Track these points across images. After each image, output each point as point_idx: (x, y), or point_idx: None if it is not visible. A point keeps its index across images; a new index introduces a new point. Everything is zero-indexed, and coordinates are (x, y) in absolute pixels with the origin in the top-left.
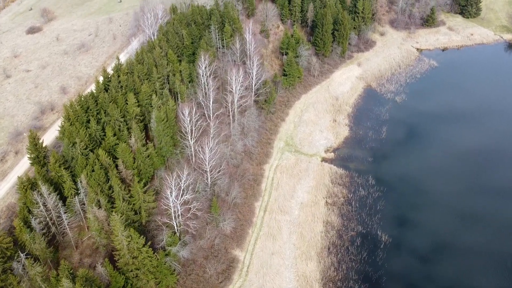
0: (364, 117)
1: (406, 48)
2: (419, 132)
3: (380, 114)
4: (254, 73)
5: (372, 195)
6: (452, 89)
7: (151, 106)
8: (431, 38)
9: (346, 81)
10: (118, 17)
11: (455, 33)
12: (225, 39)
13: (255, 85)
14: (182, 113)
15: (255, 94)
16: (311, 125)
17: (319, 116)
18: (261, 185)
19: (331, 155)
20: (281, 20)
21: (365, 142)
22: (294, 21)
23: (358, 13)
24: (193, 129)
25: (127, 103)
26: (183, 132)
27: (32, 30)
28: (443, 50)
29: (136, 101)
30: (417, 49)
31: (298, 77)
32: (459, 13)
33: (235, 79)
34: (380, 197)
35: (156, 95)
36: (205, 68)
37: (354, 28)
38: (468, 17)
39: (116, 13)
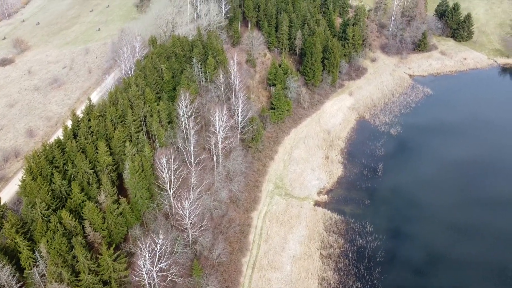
0: (358, 153)
1: (399, 74)
2: (416, 169)
3: (375, 149)
4: (240, 111)
5: (371, 244)
6: (448, 119)
7: (125, 154)
8: (423, 64)
9: (338, 112)
10: (95, 47)
11: (448, 57)
12: (209, 72)
13: (241, 123)
14: (159, 162)
15: (241, 132)
16: (302, 163)
17: (311, 153)
18: (248, 237)
19: (324, 197)
20: (268, 48)
21: (360, 181)
22: (281, 49)
23: (348, 40)
24: (172, 179)
25: (97, 152)
26: (161, 182)
27: (3, 62)
28: (436, 76)
29: (108, 149)
30: (410, 76)
31: (287, 110)
32: (451, 37)
33: (219, 119)
34: (379, 247)
35: (131, 141)
36: (185, 107)
37: (345, 55)
38: (460, 41)
39: (93, 43)
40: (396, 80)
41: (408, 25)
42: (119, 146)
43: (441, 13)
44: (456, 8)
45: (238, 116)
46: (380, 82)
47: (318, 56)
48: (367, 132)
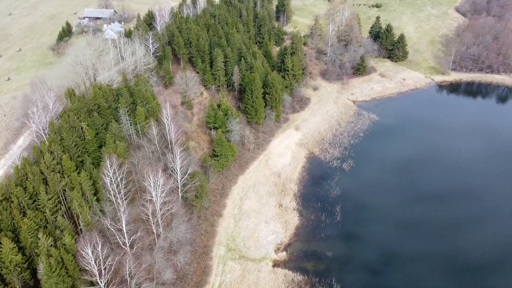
0: (313, 196)
1: (343, 101)
2: (374, 207)
3: (329, 189)
4: (178, 168)
5: None
6: (397, 145)
7: (38, 247)
8: (365, 88)
9: (286, 150)
10: (4, 101)
11: (387, 79)
12: (139, 124)
13: (181, 180)
14: (84, 252)
15: (183, 191)
16: (255, 215)
17: (262, 202)
18: None
19: (283, 255)
20: (205, 86)
21: (319, 229)
22: (219, 86)
23: (288, 71)
24: (103, 269)
25: (1, 251)
26: (89, 275)
27: None
28: (379, 100)
29: (15, 245)
30: (354, 102)
31: (231, 155)
32: (388, 58)
33: (155, 184)
34: None
35: (46, 227)
36: (113, 173)
37: (286, 87)
38: (396, 61)
39: (2, 95)
40: (341, 108)
41: (346, 49)
42: (31, 238)
43: (375, 35)
44: (389, 29)
45: (177, 173)
46: (325, 112)
47: (259, 92)
48: (319, 170)
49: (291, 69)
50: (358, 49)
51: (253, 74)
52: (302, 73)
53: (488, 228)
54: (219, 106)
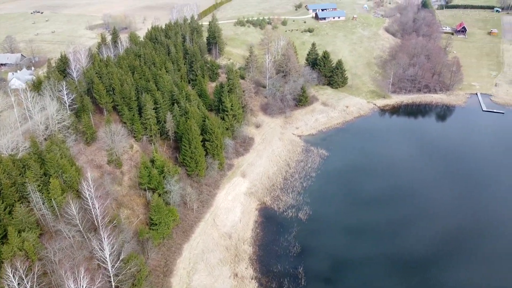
0: (271, 258)
1: (288, 137)
2: (338, 260)
3: (288, 246)
4: (108, 255)
5: None
6: (351, 183)
7: None
8: (310, 120)
9: (235, 203)
10: None
11: (331, 108)
12: (55, 200)
13: (113, 269)
14: None
15: (116, 280)
16: None
17: (214, 275)
18: None
19: None
20: (134, 137)
21: None
22: (151, 136)
23: (227, 111)
24: None
25: None
26: None
27: None
28: (326, 132)
29: None
30: (300, 136)
31: (173, 220)
32: (328, 85)
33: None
34: None
35: None
36: (20, 279)
37: (227, 129)
38: (337, 88)
39: None
40: (288, 146)
41: (285, 80)
42: None
43: (313, 62)
44: (326, 56)
45: (107, 263)
46: (271, 152)
47: (197, 141)
48: (274, 224)
49: (231, 109)
50: (297, 79)
51: (189, 122)
52: (243, 110)
53: (428, 227)
54: (153, 162)
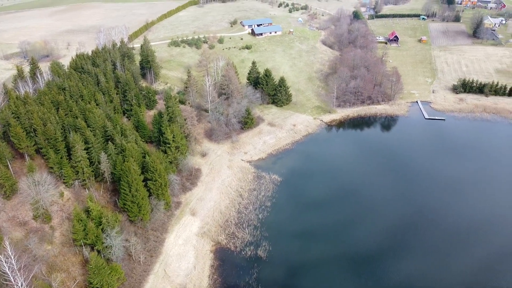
0: None
1: (238, 165)
2: None
3: None
4: None
5: None
6: (308, 209)
7: None
8: (258, 143)
9: (186, 248)
10: None
11: (278, 128)
12: None
13: None
14: None
15: None
16: None
17: None
18: None
19: None
20: (65, 183)
21: None
22: (84, 180)
23: (169, 144)
24: None
25: None
26: None
27: None
28: (276, 155)
29: None
30: (249, 162)
31: (117, 279)
32: (272, 103)
33: None
34: None
35: None
36: None
37: (171, 163)
38: (281, 106)
39: None
40: (238, 174)
41: (228, 102)
42: None
43: (255, 81)
44: (268, 74)
45: None
46: (221, 183)
47: (138, 182)
48: (232, 266)
49: (172, 140)
50: (241, 101)
51: (127, 163)
52: (186, 140)
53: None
54: (88, 212)
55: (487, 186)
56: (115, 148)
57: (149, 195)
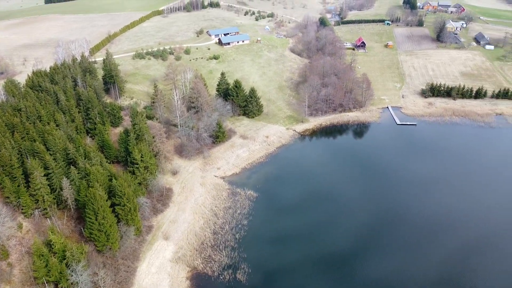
0: None
1: (211, 181)
2: None
3: None
4: None
5: None
6: (286, 223)
7: None
8: (231, 157)
9: (160, 276)
10: None
11: (251, 141)
12: None
13: None
14: None
15: None
16: None
17: None
18: None
19: None
20: (23, 213)
21: None
22: (45, 209)
23: (137, 164)
24: None
25: None
26: None
27: None
28: (250, 169)
29: None
30: (223, 178)
31: None
32: (243, 115)
33: None
34: None
35: None
36: None
37: (140, 184)
38: (253, 117)
39: None
40: (212, 191)
41: (198, 116)
42: None
43: (225, 93)
44: (238, 85)
45: None
46: (194, 202)
47: (105, 209)
48: None
49: (141, 160)
50: (211, 114)
51: (91, 189)
52: (155, 158)
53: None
54: (50, 245)
55: (457, 185)
56: (78, 173)
57: (118, 221)
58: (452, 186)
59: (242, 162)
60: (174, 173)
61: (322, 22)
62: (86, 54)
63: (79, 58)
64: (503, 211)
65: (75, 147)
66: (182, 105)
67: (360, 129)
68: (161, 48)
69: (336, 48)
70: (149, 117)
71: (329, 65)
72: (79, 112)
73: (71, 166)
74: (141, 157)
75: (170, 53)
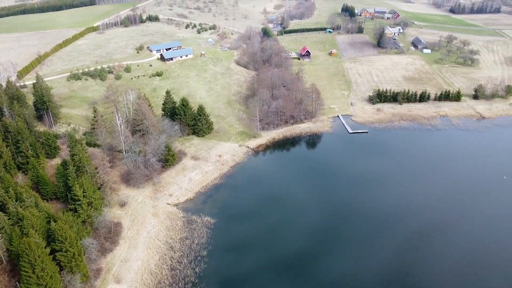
0: None
1: (163, 211)
2: None
3: None
4: None
5: None
6: (249, 249)
7: None
8: (183, 181)
9: None
10: None
11: (203, 161)
12: None
13: None
14: None
15: None
16: None
17: None
18: None
19: None
20: None
21: None
22: None
23: (79, 201)
24: None
25: None
26: None
27: None
28: (205, 193)
29: None
30: (177, 206)
31: None
32: (193, 134)
33: None
34: None
35: None
36: None
37: (84, 222)
38: (203, 136)
39: None
40: (165, 222)
41: (144, 140)
42: None
43: (171, 112)
44: (185, 103)
45: None
46: (147, 236)
47: (43, 259)
48: None
49: (83, 195)
50: (159, 137)
51: (26, 239)
52: (100, 191)
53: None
54: None
55: (405, 185)
56: (9, 219)
57: (60, 270)
58: (401, 185)
59: (195, 185)
60: (122, 205)
61: (266, 33)
62: (13, 78)
63: (4, 84)
64: (448, 203)
65: (4, 189)
66: (126, 129)
67: (313, 140)
68: (99, 67)
69: (282, 58)
70: (90, 144)
71: (277, 76)
72: (7, 146)
73: (0, 212)
74: (83, 192)
75: (109, 72)
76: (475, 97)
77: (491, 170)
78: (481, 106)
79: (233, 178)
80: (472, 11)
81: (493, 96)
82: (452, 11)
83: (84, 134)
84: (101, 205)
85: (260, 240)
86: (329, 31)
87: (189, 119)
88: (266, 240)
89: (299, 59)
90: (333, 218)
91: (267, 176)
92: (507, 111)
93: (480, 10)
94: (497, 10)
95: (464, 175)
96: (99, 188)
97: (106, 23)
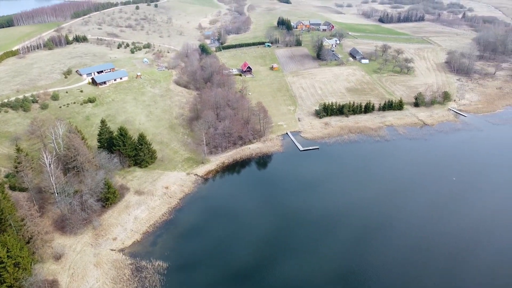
0: None
1: (107, 259)
2: None
3: None
4: None
5: None
6: None
7: None
8: (127, 221)
9: None
10: None
11: (148, 196)
12: None
13: None
14: None
15: None
16: None
17: None
18: None
19: None
20: None
21: None
22: None
23: (3, 263)
24: None
25: None
26: None
27: None
28: (152, 233)
29: None
30: (122, 251)
31: None
32: (135, 165)
33: None
34: None
35: None
36: None
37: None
38: (147, 166)
39: None
40: (110, 273)
41: (79, 178)
42: None
43: (109, 143)
44: (123, 133)
45: None
46: None
47: None
48: None
49: (7, 256)
50: (96, 173)
51: None
52: (28, 244)
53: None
54: None
55: (355, 197)
56: None
57: None
58: (350, 196)
59: (142, 225)
60: (58, 257)
61: (204, 49)
62: None
63: None
64: (393, 207)
65: None
66: (57, 168)
67: (264, 161)
68: (21, 96)
69: (224, 76)
70: (14, 188)
71: (221, 96)
72: None
73: None
74: (7, 251)
75: (33, 102)
76: (416, 104)
77: (442, 175)
78: (422, 113)
79: (183, 212)
80: (399, 20)
81: (432, 102)
82: (381, 20)
83: (7, 176)
84: (31, 263)
85: (222, 281)
86: (268, 45)
87: (129, 150)
88: (228, 279)
89: (240, 75)
90: (289, 232)
91: (220, 206)
92: (447, 117)
93: (406, 19)
94: (421, 19)
95: (417, 182)
96: (28, 242)
97: (27, 46)
